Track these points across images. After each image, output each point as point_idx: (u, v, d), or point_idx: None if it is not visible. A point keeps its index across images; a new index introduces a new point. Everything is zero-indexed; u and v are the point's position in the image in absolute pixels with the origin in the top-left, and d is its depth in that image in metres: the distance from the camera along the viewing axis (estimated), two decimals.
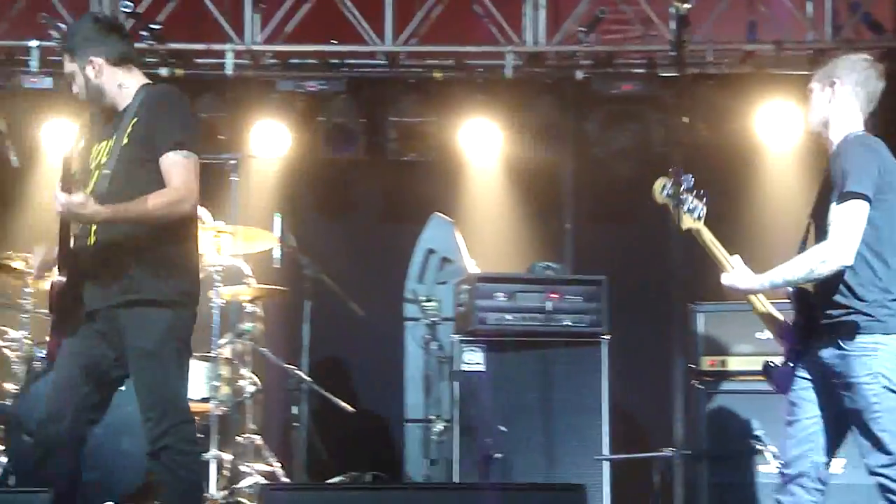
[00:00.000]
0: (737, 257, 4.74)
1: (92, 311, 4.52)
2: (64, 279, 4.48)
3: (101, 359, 4.53)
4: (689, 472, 4.97)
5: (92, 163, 4.61)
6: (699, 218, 4.79)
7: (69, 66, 4.66)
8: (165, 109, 4.55)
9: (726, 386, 6.38)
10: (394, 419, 7.66)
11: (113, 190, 4.47)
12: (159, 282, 4.49)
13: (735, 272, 4.70)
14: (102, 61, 4.60)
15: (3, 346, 6.40)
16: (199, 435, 6.22)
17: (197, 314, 4.65)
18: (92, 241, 4.52)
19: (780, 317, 4.78)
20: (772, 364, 4.73)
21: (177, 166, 4.43)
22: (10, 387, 6.26)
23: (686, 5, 4.48)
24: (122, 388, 4.69)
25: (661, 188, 4.83)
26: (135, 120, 4.53)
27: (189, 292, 4.59)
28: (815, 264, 4.46)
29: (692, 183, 4.72)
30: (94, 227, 4.52)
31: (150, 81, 4.71)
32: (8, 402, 6.12)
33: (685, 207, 4.69)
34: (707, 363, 6.41)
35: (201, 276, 6.47)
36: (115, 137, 4.54)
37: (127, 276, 4.47)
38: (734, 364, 6.37)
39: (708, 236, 4.80)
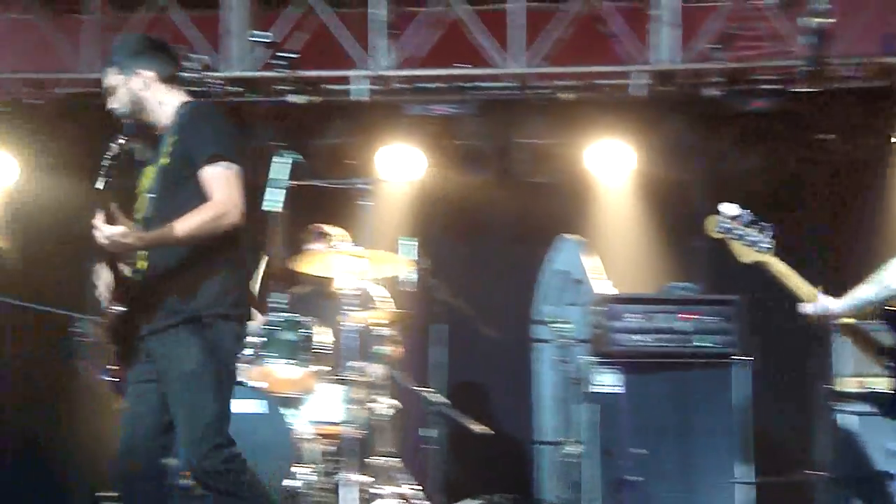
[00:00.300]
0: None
1: (143, 336, 4.50)
2: (120, 309, 4.47)
3: (158, 384, 4.48)
4: (831, 496, 4.87)
5: (141, 189, 4.61)
6: (766, 250, 4.70)
7: (113, 79, 4.62)
8: (200, 124, 4.51)
9: (867, 408, 6.22)
10: (527, 441, 7.64)
11: (158, 213, 4.45)
12: (198, 300, 4.43)
13: (820, 300, 4.60)
14: (151, 75, 4.60)
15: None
16: (335, 457, 6.40)
17: (241, 330, 4.55)
18: (142, 266, 4.51)
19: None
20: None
21: (216, 179, 4.38)
22: None
23: (826, 20, 4.41)
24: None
25: (716, 224, 4.76)
26: (174, 139, 4.51)
27: (230, 308, 4.48)
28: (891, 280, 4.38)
29: (750, 217, 4.66)
30: (143, 253, 4.49)
31: (190, 99, 4.68)
32: None
33: (745, 241, 4.63)
34: (847, 384, 6.26)
35: (336, 300, 6.68)
36: (157, 159, 4.54)
37: (170, 298, 4.44)
38: (875, 385, 6.20)
39: (780, 267, 4.69)
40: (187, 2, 8.06)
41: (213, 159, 4.39)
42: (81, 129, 7.74)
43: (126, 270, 4.50)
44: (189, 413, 4.39)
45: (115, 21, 8.07)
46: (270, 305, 6.69)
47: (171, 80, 4.67)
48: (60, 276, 7.28)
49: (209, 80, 7.92)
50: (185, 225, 4.33)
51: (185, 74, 7.74)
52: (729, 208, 4.58)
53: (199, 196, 4.39)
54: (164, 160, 4.51)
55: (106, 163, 4.38)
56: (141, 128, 4.63)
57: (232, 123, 4.60)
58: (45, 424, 7.91)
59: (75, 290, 6.01)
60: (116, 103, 4.65)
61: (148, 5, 8.01)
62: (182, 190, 4.44)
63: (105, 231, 4.27)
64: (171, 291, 4.44)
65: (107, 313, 4.50)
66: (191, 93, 7.67)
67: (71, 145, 7.85)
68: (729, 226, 4.59)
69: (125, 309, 4.47)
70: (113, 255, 4.41)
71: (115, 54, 4.68)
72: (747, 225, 4.68)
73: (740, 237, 4.56)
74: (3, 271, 7.73)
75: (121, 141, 4.44)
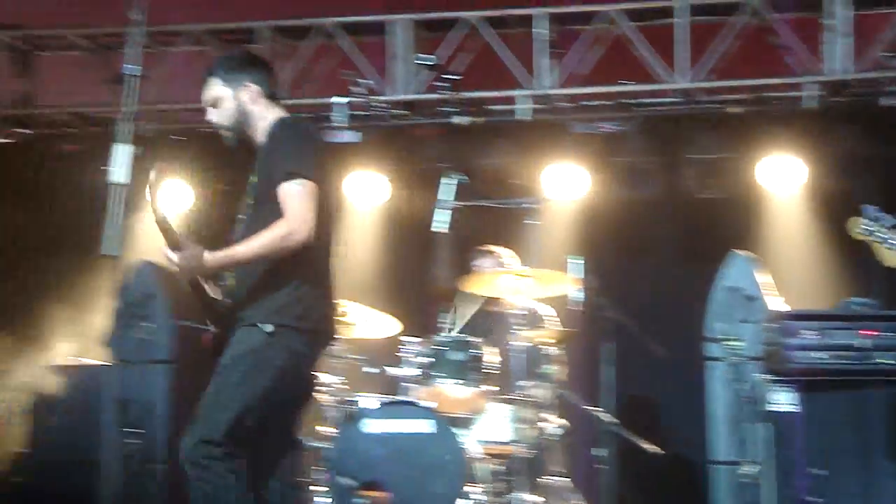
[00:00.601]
0: None
1: None
2: (215, 329, 4.49)
3: None
4: None
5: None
6: None
7: (218, 91, 4.60)
8: (279, 140, 4.47)
9: None
10: (700, 461, 7.49)
11: (247, 230, 4.43)
12: (258, 310, 4.40)
13: None
14: (258, 89, 4.59)
15: (318, 391, 6.64)
16: (506, 477, 6.39)
17: (302, 344, 4.42)
18: (231, 284, 4.53)
19: None
20: None
21: (289, 196, 4.33)
22: (326, 430, 6.50)
23: None
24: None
25: (858, 225, 4.59)
26: (262, 155, 4.51)
27: (291, 320, 4.40)
28: None
29: (893, 221, 4.48)
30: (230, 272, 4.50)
31: (286, 115, 4.65)
32: (325, 445, 6.35)
33: (888, 244, 4.45)
34: None
35: (504, 320, 6.68)
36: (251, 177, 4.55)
37: (241, 311, 4.44)
38: None
39: None
40: (353, 29, 8.20)
41: (288, 176, 4.35)
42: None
43: (214, 291, 4.49)
44: (205, 398, 4.32)
45: (285, 49, 8.26)
46: (438, 326, 6.73)
47: (272, 96, 4.66)
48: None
49: (375, 104, 8.03)
50: (250, 245, 4.31)
51: (352, 99, 7.94)
52: (871, 211, 4.43)
53: (280, 213, 4.36)
54: (253, 177, 4.53)
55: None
56: (242, 142, 4.65)
57: (315, 140, 4.53)
58: None
59: None
60: (219, 116, 4.63)
61: (315, 33, 8.18)
62: (266, 207, 4.41)
63: (172, 256, 4.30)
64: (244, 305, 4.44)
65: (205, 335, 4.52)
66: (357, 117, 8.04)
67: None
68: (871, 228, 4.44)
69: (218, 330, 4.49)
70: (195, 278, 4.39)
71: (220, 67, 4.65)
72: (891, 228, 4.53)
73: (883, 240, 4.41)
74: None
75: None
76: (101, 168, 3.91)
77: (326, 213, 4.44)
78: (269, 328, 4.36)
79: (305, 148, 4.43)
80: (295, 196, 4.32)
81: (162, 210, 4.23)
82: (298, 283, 4.42)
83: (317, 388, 4.82)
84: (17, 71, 8.60)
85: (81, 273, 7.13)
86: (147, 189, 4.16)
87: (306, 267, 4.43)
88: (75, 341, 6.63)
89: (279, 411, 4.48)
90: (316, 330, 4.47)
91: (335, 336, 4.61)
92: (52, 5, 8.85)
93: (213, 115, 4.63)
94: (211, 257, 4.32)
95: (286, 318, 4.38)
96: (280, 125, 4.53)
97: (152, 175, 4.20)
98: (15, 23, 8.54)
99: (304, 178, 4.33)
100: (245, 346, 4.37)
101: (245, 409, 4.33)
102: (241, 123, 4.60)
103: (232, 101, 4.59)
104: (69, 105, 8.47)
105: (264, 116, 4.58)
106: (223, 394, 4.33)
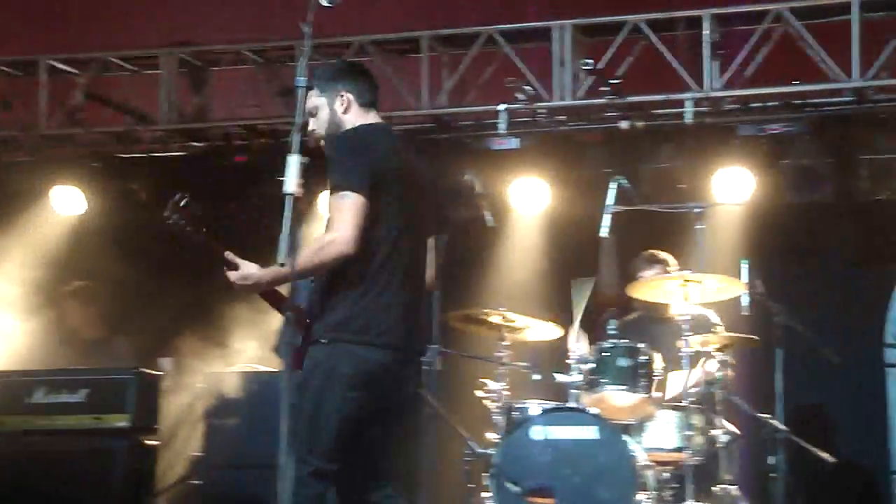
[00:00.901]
0: None
1: None
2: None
3: None
4: None
5: None
6: None
7: (315, 100, 4.65)
8: (331, 153, 4.53)
9: None
10: (878, 470, 7.28)
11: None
12: (321, 322, 4.48)
13: None
14: (352, 98, 4.62)
15: (484, 398, 6.69)
16: (675, 485, 6.31)
17: (377, 360, 4.46)
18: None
19: None
20: None
21: (332, 209, 4.38)
22: (492, 436, 6.53)
23: None
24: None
25: None
26: None
27: (352, 334, 4.44)
28: None
29: None
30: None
31: (372, 123, 4.67)
32: (491, 451, 6.37)
33: None
34: None
35: (670, 325, 6.61)
36: None
37: (312, 325, 4.53)
38: None
39: None
40: (515, 36, 8.22)
41: (332, 189, 4.41)
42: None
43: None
44: (293, 415, 4.34)
45: (447, 58, 8.33)
46: (606, 332, 6.69)
47: (369, 105, 4.71)
48: None
49: (539, 110, 8.04)
50: (299, 259, 4.31)
51: (515, 106, 7.98)
52: None
53: None
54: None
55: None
56: None
57: (373, 151, 4.50)
58: None
59: None
60: (316, 125, 4.71)
61: (477, 41, 8.22)
62: (329, 219, 4.47)
63: (230, 275, 4.44)
64: (313, 322, 4.52)
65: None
66: (519, 123, 8.06)
67: None
68: None
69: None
70: (269, 294, 4.54)
71: (317, 76, 4.71)
72: None
73: None
74: None
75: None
76: (277, 179, 4.01)
77: (389, 224, 4.47)
78: (326, 340, 4.46)
79: (353, 160, 4.46)
80: (336, 208, 4.38)
81: (204, 232, 4.45)
82: (357, 298, 4.47)
83: (411, 404, 4.83)
84: (191, 86, 8.88)
85: None
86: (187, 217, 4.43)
87: (367, 280, 4.46)
88: (255, 346, 6.81)
89: (363, 423, 4.51)
90: (381, 343, 4.48)
91: (411, 347, 4.60)
92: (224, 22, 9.13)
93: (312, 124, 4.72)
94: (261, 273, 4.44)
95: (346, 333, 4.45)
96: (337, 138, 4.60)
97: (177, 197, 4.48)
98: (189, 40, 8.82)
99: (348, 190, 4.38)
100: (312, 363, 4.47)
101: (321, 422, 4.43)
102: (333, 132, 4.67)
103: (326, 110, 4.68)
104: (240, 118, 8.70)
105: (354, 125, 4.65)
106: (303, 412, 4.42)
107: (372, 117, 4.71)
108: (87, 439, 6.61)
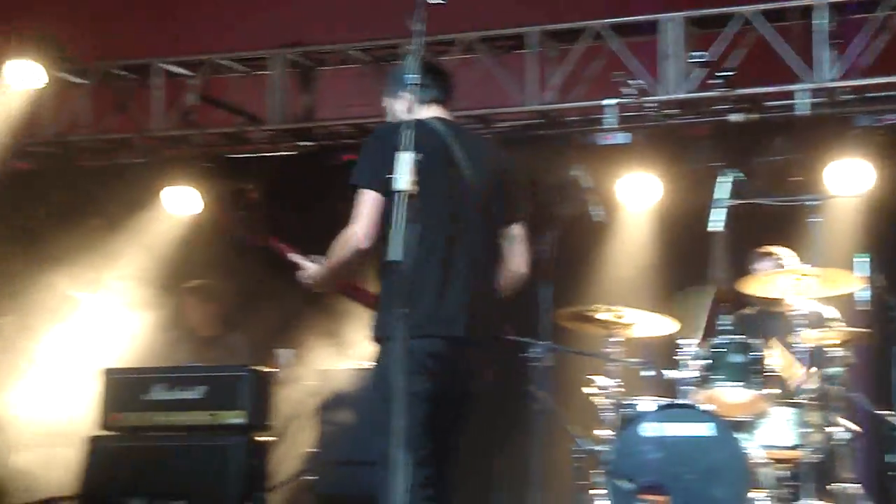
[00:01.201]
0: None
1: None
2: None
3: None
4: None
5: None
6: None
7: (385, 102, 4.76)
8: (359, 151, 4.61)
9: None
10: None
11: None
12: (372, 324, 4.53)
13: None
14: (412, 97, 4.47)
15: (592, 395, 6.64)
16: (792, 483, 6.19)
17: (419, 349, 4.26)
18: None
19: None
20: None
21: (353, 208, 4.45)
22: (601, 433, 6.49)
23: None
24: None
25: None
26: None
27: (384, 330, 4.36)
28: None
29: None
30: None
31: (446, 118, 4.67)
32: (601, 448, 6.33)
33: None
34: None
35: (785, 321, 6.49)
36: None
37: None
38: None
39: None
40: (623, 30, 8.15)
41: (353, 187, 4.48)
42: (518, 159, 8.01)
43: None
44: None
45: (556, 53, 8.29)
46: (718, 328, 6.60)
47: (434, 102, 4.69)
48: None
49: (647, 104, 7.96)
50: (329, 256, 4.46)
51: (623, 100, 7.91)
52: None
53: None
54: None
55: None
56: None
57: (383, 147, 4.35)
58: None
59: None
60: None
61: (585, 35, 8.17)
62: None
63: (298, 276, 4.56)
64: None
65: None
66: (628, 118, 7.98)
67: None
68: None
69: None
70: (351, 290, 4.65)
71: (388, 79, 4.82)
72: None
73: None
74: None
75: None
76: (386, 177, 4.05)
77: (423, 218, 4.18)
78: (384, 342, 4.43)
79: (368, 157, 4.51)
80: (354, 206, 4.45)
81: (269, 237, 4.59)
82: (383, 294, 4.48)
83: (470, 394, 4.64)
84: (300, 86, 8.97)
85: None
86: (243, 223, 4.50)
87: (397, 277, 4.22)
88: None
89: (426, 412, 4.36)
90: (420, 335, 4.24)
91: (456, 336, 4.44)
92: (331, 21, 9.20)
93: None
94: (314, 273, 4.57)
95: (384, 331, 4.40)
96: (369, 135, 4.65)
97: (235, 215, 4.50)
98: (297, 40, 8.90)
99: (359, 187, 4.45)
100: (377, 367, 4.43)
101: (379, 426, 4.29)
102: None
103: (391, 111, 4.75)
104: (348, 117, 8.76)
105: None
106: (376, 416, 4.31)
107: (429, 111, 4.66)
108: (204, 436, 6.73)
